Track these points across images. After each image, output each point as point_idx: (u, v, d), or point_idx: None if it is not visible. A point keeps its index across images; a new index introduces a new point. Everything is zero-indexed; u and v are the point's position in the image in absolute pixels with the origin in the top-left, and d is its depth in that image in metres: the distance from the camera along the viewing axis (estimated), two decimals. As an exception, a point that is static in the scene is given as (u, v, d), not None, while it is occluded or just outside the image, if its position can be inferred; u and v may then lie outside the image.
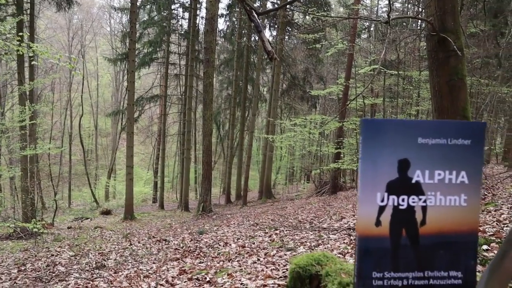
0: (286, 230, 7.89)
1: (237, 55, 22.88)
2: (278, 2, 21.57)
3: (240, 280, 4.33)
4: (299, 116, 23.22)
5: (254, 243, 6.97)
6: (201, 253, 7.00)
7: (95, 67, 39.21)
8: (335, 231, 6.64)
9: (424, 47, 11.01)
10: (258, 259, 5.46)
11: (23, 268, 7.50)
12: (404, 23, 18.29)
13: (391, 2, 6.37)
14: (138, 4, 20.84)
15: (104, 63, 32.85)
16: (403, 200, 0.95)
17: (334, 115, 17.43)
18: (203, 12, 25.08)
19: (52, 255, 8.73)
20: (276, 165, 33.23)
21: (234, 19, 25.88)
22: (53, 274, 6.88)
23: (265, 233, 8.09)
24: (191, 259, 6.63)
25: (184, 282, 4.92)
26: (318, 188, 18.87)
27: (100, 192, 31.60)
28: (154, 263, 6.97)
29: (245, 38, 22.77)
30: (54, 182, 25.58)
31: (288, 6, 14.43)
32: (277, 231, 7.96)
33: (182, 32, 26.30)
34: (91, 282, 5.94)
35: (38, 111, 19.18)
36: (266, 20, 23.13)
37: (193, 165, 29.24)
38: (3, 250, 9.66)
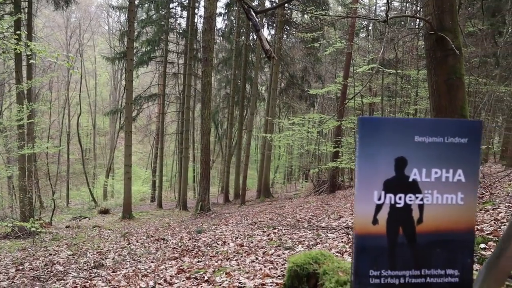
0: (284, 229, 7.90)
1: (236, 54, 22.86)
2: (277, 0, 21.57)
3: (238, 279, 4.33)
4: (297, 115, 23.24)
5: (252, 242, 6.97)
6: (199, 252, 7.00)
7: (93, 66, 39.14)
8: (333, 230, 6.65)
9: (422, 46, 11.03)
10: (257, 258, 5.47)
11: (21, 267, 7.49)
12: (402, 22, 18.31)
13: (389, 1, 6.36)
14: (136, 2, 20.80)
15: (102, 62, 32.82)
16: (400, 198, 0.96)
17: (332, 114, 17.44)
18: (201, 11, 25.14)
19: (50, 254, 8.72)
20: (275, 164, 33.24)
21: (232, 17, 25.85)
22: (51, 273, 6.88)
23: (263, 232, 8.10)
24: (190, 258, 6.63)
25: (183, 281, 4.92)
26: (317, 187, 18.89)
27: (98, 191, 31.58)
28: (152, 262, 6.96)
29: (243, 37, 22.75)
30: (52, 181, 25.56)
31: (286, 4, 14.42)
32: (275, 230, 7.97)
33: (181, 31, 26.25)
34: (89, 281, 5.94)
35: (36, 110, 19.13)
36: (264, 19, 23.10)
37: (192, 164, 29.22)
38: (1, 250, 9.65)
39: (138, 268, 6.44)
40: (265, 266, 4.81)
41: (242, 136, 23.42)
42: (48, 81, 29.60)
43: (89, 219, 17.28)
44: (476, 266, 3.04)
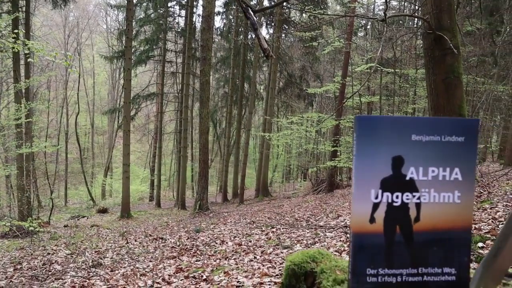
0: (282, 228, 7.90)
1: (234, 53, 22.85)
2: None
3: (236, 278, 4.34)
4: (295, 114, 23.25)
5: (250, 241, 6.97)
6: (197, 251, 7.00)
7: (91, 65, 39.05)
8: (332, 229, 6.66)
9: (421, 45, 11.04)
10: (255, 257, 5.47)
11: (19, 267, 7.48)
12: (400, 21, 18.31)
13: (387, 0, 6.37)
14: (134, 1, 20.78)
15: (101, 61, 32.76)
16: (397, 197, 0.96)
17: (331, 113, 17.45)
18: (199, 10, 25.08)
19: (49, 253, 8.71)
20: (273, 163, 33.24)
21: (230, 16, 25.83)
22: (49, 273, 6.87)
23: (261, 231, 8.10)
24: (188, 257, 6.63)
25: (181, 280, 4.92)
26: (315, 186, 18.90)
27: (97, 190, 31.53)
28: (150, 261, 6.96)
29: (241, 36, 22.74)
30: (50, 180, 25.50)
31: (284, 3, 14.41)
32: (274, 229, 7.97)
33: (179, 30, 26.23)
34: (87, 280, 5.93)
35: (34, 109, 19.11)
36: (262, 18, 23.10)
37: (190, 163, 29.20)
38: (-1, 249, 9.64)
39: (137, 267, 6.44)
40: (263, 265, 4.81)
41: (240, 135, 23.42)
42: (46, 80, 29.55)
43: (87, 218, 17.27)
44: (474, 265, 3.05)
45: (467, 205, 0.98)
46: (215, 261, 5.75)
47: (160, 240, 9.46)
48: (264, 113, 22.98)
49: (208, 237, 8.52)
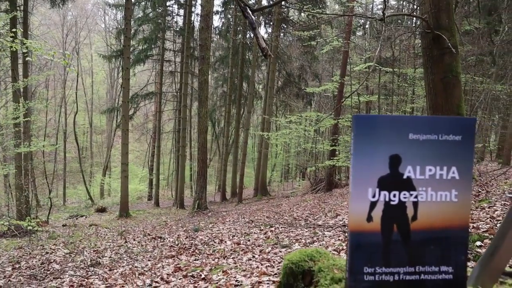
0: (281, 227, 7.90)
1: (232, 52, 22.84)
2: (274, -1, 21.55)
3: (235, 277, 4.34)
4: (294, 113, 23.22)
5: (249, 240, 6.98)
6: (196, 250, 7.00)
7: (90, 64, 38.98)
8: (330, 228, 6.66)
9: (419, 45, 11.05)
10: (253, 256, 5.48)
11: (17, 266, 7.47)
12: (399, 21, 18.34)
13: (386, 0, 6.37)
14: (133, 0, 20.75)
15: (99, 60, 32.71)
16: (394, 195, 0.96)
17: (329, 113, 17.46)
18: (198, 9, 25.09)
19: (47, 252, 8.70)
20: (272, 163, 33.25)
21: (229, 16, 25.82)
22: (48, 272, 6.86)
23: (260, 230, 8.11)
24: (186, 256, 6.63)
25: (179, 279, 4.92)
26: (314, 185, 18.91)
27: (95, 189, 31.50)
28: (149, 260, 6.96)
29: (240, 35, 22.74)
30: (49, 179, 25.43)
31: (283, 3, 14.41)
32: (272, 228, 7.97)
33: (177, 29, 26.21)
34: (86, 279, 5.93)
35: (32, 108, 19.08)
36: (261, 17, 23.09)
37: (189, 162, 29.18)
38: (-3, 248, 9.62)
39: (135, 267, 6.44)
40: (262, 264, 4.82)
41: (239, 134, 23.42)
42: (45, 79, 29.49)
43: (86, 217, 17.25)
44: (472, 264, 3.06)
45: (464, 204, 0.99)
46: (213, 260, 5.75)
47: (159, 239, 9.46)
48: (262, 112, 22.98)
49: (207, 236, 8.52)
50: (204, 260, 5.88)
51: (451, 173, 0.97)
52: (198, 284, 4.47)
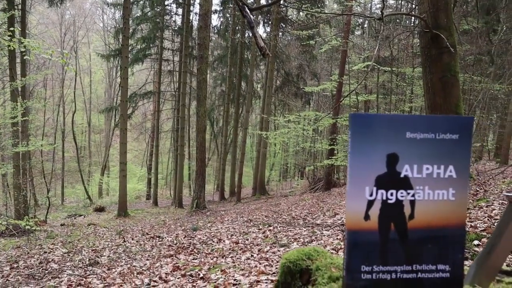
0: (279, 227, 7.91)
1: (231, 51, 22.82)
2: (272, -2, 21.50)
3: (233, 276, 4.34)
4: (292, 112, 23.22)
5: (247, 240, 6.98)
6: (194, 250, 7.00)
7: (88, 63, 38.92)
8: (329, 227, 6.67)
9: (418, 44, 11.05)
10: (252, 255, 5.48)
11: (15, 266, 7.46)
12: (397, 20, 18.35)
13: (384, -1, 6.38)
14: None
15: (97, 59, 32.64)
16: (391, 194, 0.96)
17: (328, 112, 17.47)
18: (196, 8, 25.02)
19: (45, 252, 8.69)
20: (270, 162, 33.25)
21: (228, 15, 25.80)
22: (46, 271, 6.86)
23: (258, 229, 8.11)
24: (185, 255, 6.63)
25: (178, 278, 4.92)
26: (312, 185, 18.91)
27: (94, 189, 31.46)
28: (147, 259, 6.96)
29: (239, 34, 22.72)
30: (47, 179, 25.45)
31: (281, 2, 14.41)
32: (271, 228, 7.98)
33: (176, 28, 26.17)
34: (84, 279, 5.93)
35: (30, 108, 19.02)
36: (260, 16, 23.07)
37: (187, 161, 29.18)
38: (-5, 247, 9.60)
39: (133, 266, 6.43)
40: (260, 263, 4.82)
41: (237, 133, 23.41)
42: (43, 79, 29.40)
43: (84, 217, 17.23)
44: (469, 262, 3.07)
45: (461, 203, 0.99)
46: (212, 259, 5.75)
47: (157, 238, 9.45)
48: (261, 112, 22.98)
49: (205, 235, 8.52)
50: (202, 259, 5.88)
51: (448, 171, 0.98)
52: (196, 283, 4.47)
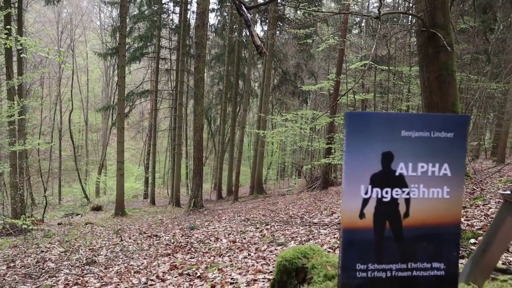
0: (277, 225, 7.92)
1: (228, 50, 22.80)
2: (270, -3, 21.46)
3: (230, 275, 4.35)
4: (290, 111, 23.23)
5: (245, 239, 6.98)
6: (192, 249, 7.00)
7: (85, 62, 38.82)
8: (326, 226, 6.68)
9: (415, 43, 11.07)
10: (249, 254, 5.48)
11: (12, 265, 7.44)
12: (394, 19, 18.36)
13: (381, -2, 6.39)
14: (128, -2, 20.64)
15: (94, 57, 32.52)
16: (386, 192, 0.96)
17: (325, 111, 17.48)
18: (194, 7, 25.01)
19: (42, 251, 8.68)
20: (268, 161, 33.27)
21: (225, 13, 25.78)
22: (43, 271, 6.84)
23: (256, 228, 8.11)
24: (182, 254, 6.63)
25: (175, 277, 4.92)
26: (309, 184, 18.93)
27: (91, 188, 31.42)
28: (145, 258, 6.95)
29: (236, 33, 22.69)
30: (44, 178, 25.37)
31: (279, 0, 14.40)
32: (268, 226, 7.98)
33: (173, 27, 26.14)
34: (81, 278, 5.92)
35: (27, 106, 18.96)
36: (257, 15, 23.06)
37: (184, 160, 29.16)
38: (-8, 247, 9.58)
39: (131, 265, 6.43)
40: (257, 262, 4.82)
41: (235, 132, 23.40)
42: (40, 77, 29.34)
43: (81, 216, 17.20)
44: (466, 261, 3.07)
45: (456, 201, 0.99)
46: (209, 258, 5.75)
47: (155, 237, 9.45)
48: (258, 111, 22.97)
49: (203, 234, 8.52)
50: (199, 258, 5.88)
51: (443, 170, 0.98)
52: (193, 282, 4.47)
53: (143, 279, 5.09)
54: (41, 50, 7.38)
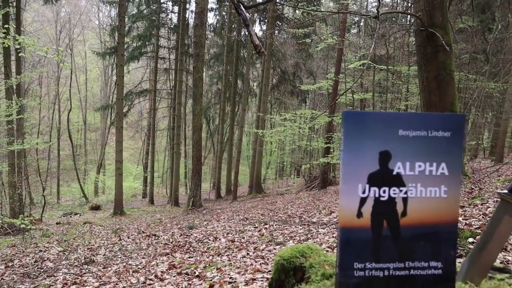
0: (275, 225, 7.92)
1: (227, 49, 22.79)
2: (268, -4, 21.45)
3: (229, 274, 4.35)
4: (289, 111, 23.25)
5: (243, 238, 6.98)
6: (190, 248, 7.00)
7: (84, 61, 38.75)
8: (325, 225, 6.68)
9: (413, 42, 11.08)
10: (248, 254, 5.48)
11: (10, 264, 7.43)
12: (393, 18, 18.37)
13: (380, -3, 6.39)
14: (127, -3, 20.60)
15: (93, 57, 32.48)
16: (384, 191, 0.96)
17: (324, 110, 17.49)
18: (192, 6, 24.97)
19: (40, 250, 8.67)
20: (266, 160, 33.26)
21: (224, 13, 25.76)
22: (41, 270, 6.84)
23: (254, 227, 8.12)
24: (181, 253, 6.63)
25: (174, 276, 4.92)
26: (308, 183, 18.95)
27: (89, 187, 31.38)
28: (143, 258, 6.95)
29: (235, 33, 22.68)
30: (42, 177, 25.30)
31: (277, 0, 14.39)
32: (267, 226, 7.99)
33: (172, 26, 26.12)
34: (79, 277, 5.91)
35: (25, 106, 18.91)
36: (256, 14, 23.05)
37: (183, 160, 29.14)
38: (-10, 246, 9.56)
39: (129, 264, 6.43)
40: (256, 262, 4.83)
41: (233, 132, 23.40)
42: (38, 76, 29.28)
43: (80, 215, 17.19)
44: (463, 260, 3.07)
45: (454, 200, 0.99)
46: (208, 257, 5.76)
47: (153, 237, 9.45)
48: (257, 110, 22.97)
49: (201, 233, 8.52)
50: (198, 258, 5.88)
51: (441, 169, 0.98)
52: (192, 282, 4.47)
53: (142, 279, 5.09)
54: (40, 49, 7.37)
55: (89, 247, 8.87)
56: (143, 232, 10.47)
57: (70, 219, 15.48)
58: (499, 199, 1.16)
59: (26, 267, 7.11)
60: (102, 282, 5.40)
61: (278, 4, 19.98)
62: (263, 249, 5.58)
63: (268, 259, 4.88)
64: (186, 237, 8.39)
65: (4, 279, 6.35)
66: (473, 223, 4.40)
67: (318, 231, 6.26)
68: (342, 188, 0.95)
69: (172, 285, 4.54)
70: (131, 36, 24.41)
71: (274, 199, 16.00)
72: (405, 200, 0.98)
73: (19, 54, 11.83)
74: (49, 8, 28.39)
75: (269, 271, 4.18)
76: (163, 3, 25.30)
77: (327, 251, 4.48)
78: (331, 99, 16.84)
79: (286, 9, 24.18)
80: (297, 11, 23.15)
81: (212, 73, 29.99)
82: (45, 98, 32.55)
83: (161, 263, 6.02)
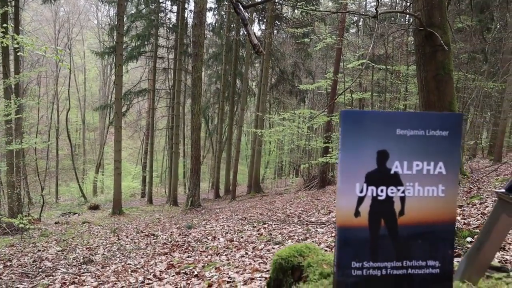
0: (274, 224, 7.92)
1: (226, 49, 22.78)
2: (267, -4, 21.44)
3: (227, 274, 4.35)
4: (287, 110, 23.24)
5: (242, 237, 6.98)
6: (189, 248, 7.00)
7: (82, 61, 38.71)
8: (323, 225, 6.69)
9: (412, 42, 11.08)
10: (246, 253, 5.49)
11: (9, 264, 7.42)
12: (392, 18, 18.38)
13: (378, -3, 6.39)
14: (125, -3, 20.56)
15: (91, 56, 32.48)
16: (381, 191, 0.96)
17: (323, 110, 17.49)
18: (191, 6, 24.95)
19: (39, 250, 8.66)
20: (265, 160, 33.27)
21: (222, 12, 25.74)
22: (40, 270, 6.83)
23: (253, 227, 8.12)
24: (179, 253, 6.63)
25: (172, 276, 4.92)
26: (307, 183, 18.95)
27: (88, 187, 31.35)
28: (142, 257, 6.95)
29: (233, 32, 22.68)
30: (41, 177, 25.31)
31: None
32: (266, 225, 7.99)
33: (171, 26, 26.09)
34: (78, 277, 5.91)
35: (24, 105, 18.90)
36: (255, 14, 23.04)
37: (182, 159, 29.13)
38: (-11, 246, 9.55)
39: (128, 264, 6.42)
40: (254, 261, 4.83)
41: (232, 131, 23.39)
42: (37, 76, 29.24)
43: (78, 215, 17.17)
44: (460, 259, 3.08)
45: (451, 199, 0.99)
46: (206, 257, 5.76)
47: (152, 236, 9.44)
48: (256, 110, 22.97)
49: (200, 233, 8.52)
50: (197, 257, 5.88)
51: (438, 168, 0.98)
52: (191, 281, 4.47)
53: (140, 278, 5.09)
54: (38, 49, 7.36)
55: (88, 246, 8.86)
56: (142, 231, 10.46)
57: (69, 219, 15.46)
58: (496, 198, 1.16)
59: (24, 267, 7.10)
60: (100, 282, 5.40)
61: (277, 4, 19.98)
62: (261, 249, 5.58)
63: (266, 258, 4.89)
64: (184, 237, 8.39)
65: (2, 279, 6.34)
66: (471, 222, 4.41)
67: (316, 230, 6.27)
68: (339, 187, 0.95)
69: (170, 284, 4.54)
70: (129, 35, 24.38)
71: (272, 198, 16.00)
72: (402, 199, 0.98)
73: (18, 54, 11.80)
74: (47, 7, 28.32)
75: (268, 270, 4.19)
76: (162, 2, 25.28)
77: (326, 250, 4.48)
78: (329, 99, 16.84)
79: (285, 8, 24.18)
80: (296, 11, 23.14)
81: (211, 73, 29.98)
82: (44, 97, 32.50)
83: (160, 262, 6.02)
